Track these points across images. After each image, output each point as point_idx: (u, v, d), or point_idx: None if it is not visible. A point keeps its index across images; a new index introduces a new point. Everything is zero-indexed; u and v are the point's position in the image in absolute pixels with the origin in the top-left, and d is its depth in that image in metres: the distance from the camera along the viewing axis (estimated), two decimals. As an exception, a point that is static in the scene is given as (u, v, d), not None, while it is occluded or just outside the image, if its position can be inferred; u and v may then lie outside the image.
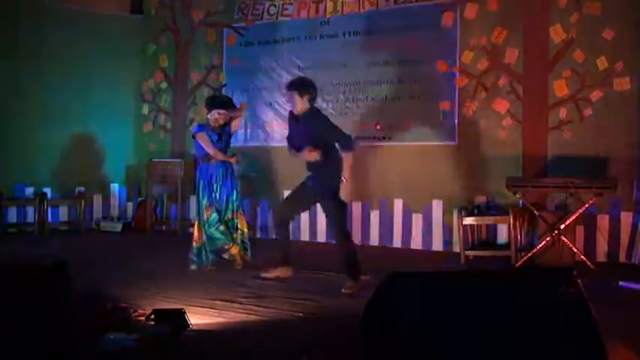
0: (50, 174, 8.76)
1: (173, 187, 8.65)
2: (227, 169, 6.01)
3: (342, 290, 5.01)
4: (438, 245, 7.33)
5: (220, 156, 5.97)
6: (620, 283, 5.30)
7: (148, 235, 8.57)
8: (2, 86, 8.36)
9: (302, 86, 5.32)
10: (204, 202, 5.93)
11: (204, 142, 5.95)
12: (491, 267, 6.12)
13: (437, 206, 7.33)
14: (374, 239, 7.67)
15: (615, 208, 6.48)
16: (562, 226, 5.96)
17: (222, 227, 5.92)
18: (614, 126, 6.50)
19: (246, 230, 6.09)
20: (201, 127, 6.07)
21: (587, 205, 5.97)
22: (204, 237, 5.91)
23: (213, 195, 5.93)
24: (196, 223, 6.00)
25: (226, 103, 6.20)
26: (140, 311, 4.04)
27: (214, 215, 5.90)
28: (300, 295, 4.82)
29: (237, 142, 7.82)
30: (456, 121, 7.24)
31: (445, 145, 7.30)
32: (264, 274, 5.51)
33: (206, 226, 5.90)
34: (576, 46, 6.66)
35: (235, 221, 5.99)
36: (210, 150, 5.94)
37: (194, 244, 5.94)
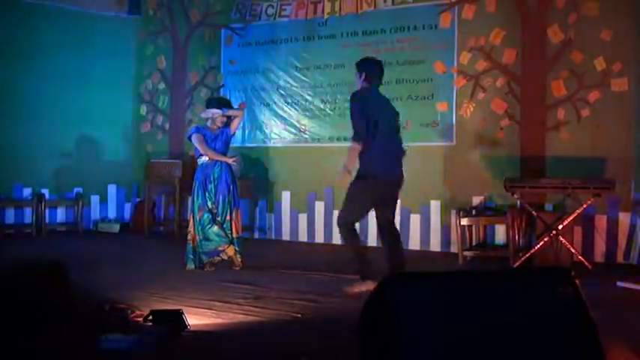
0: (48, 175, 8.76)
1: (171, 188, 8.64)
2: (223, 170, 6.00)
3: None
4: (435, 246, 7.33)
5: (211, 154, 5.96)
6: (618, 283, 5.30)
7: (146, 236, 8.56)
8: (-1, 87, 8.37)
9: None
10: (198, 202, 5.94)
11: (198, 141, 5.96)
12: (489, 267, 6.11)
13: (435, 207, 7.33)
14: (372, 240, 7.65)
15: (613, 209, 6.49)
16: (560, 227, 5.96)
17: (215, 228, 5.90)
18: (611, 126, 6.51)
19: (239, 234, 6.06)
20: (198, 129, 6.08)
21: (584, 206, 5.97)
22: (197, 237, 5.91)
23: (207, 195, 5.93)
24: (191, 223, 6.00)
25: (221, 103, 6.20)
26: (138, 312, 4.03)
27: (206, 216, 5.90)
28: (299, 296, 4.81)
29: (235, 142, 7.82)
30: (454, 121, 7.25)
31: (443, 145, 7.31)
32: (348, 291, 4.87)
33: (199, 227, 5.90)
34: (574, 47, 6.67)
35: (230, 223, 5.97)
36: (202, 148, 5.95)
37: (190, 244, 5.95)
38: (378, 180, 4.92)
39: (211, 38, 8.87)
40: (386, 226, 5.07)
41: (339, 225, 5.00)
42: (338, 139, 7.66)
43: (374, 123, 4.83)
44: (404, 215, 7.50)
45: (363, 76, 5.05)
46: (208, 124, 6.09)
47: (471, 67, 7.16)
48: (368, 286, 4.63)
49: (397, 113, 5.18)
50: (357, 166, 4.96)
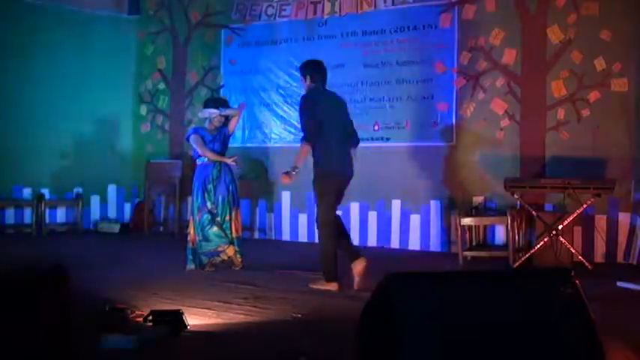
0: (48, 175, 8.76)
1: (171, 188, 8.64)
2: (222, 170, 6.00)
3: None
4: (435, 246, 7.33)
5: (210, 155, 5.95)
6: (618, 283, 5.30)
7: (146, 236, 8.56)
8: (-1, 87, 8.37)
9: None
10: (197, 203, 5.94)
11: (196, 143, 5.96)
12: (489, 267, 6.11)
13: (435, 207, 7.33)
14: (372, 240, 7.67)
15: (613, 209, 6.49)
16: (560, 227, 5.96)
17: (215, 229, 5.89)
18: (611, 126, 6.51)
19: (239, 234, 6.05)
20: (196, 130, 6.08)
21: (584, 206, 5.97)
22: (197, 238, 5.91)
23: (207, 196, 5.92)
24: (191, 224, 6.00)
25: (218, 103, 6.20)
26: (138, 312, 4.03)
27: (206, 216, 5.90)
28: (299, 296, 4.81)
29: (235, 142, 7.82)
30: (454, 122, 7.25)
31: (443, 145, 7.31)
32: (312, 285, 5.15)
33: (199, 228, 5.90)
34: (574, 47, 6.67)
35: (229, 223, 5.97)
36: (200, 149, 5.95)
37: (189, 244, 5.95)
38: (335, 177, 5.13)
39: (211, 38, 8.87)
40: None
41: (321, 224, 5.10)
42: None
43: (322, 123, 5.02)
44: (404, 215, 7.50)
45: (308, 80, 5.23)
46: (206, 124, 6.10)
47: (471, 67, 7.15)
48: (333, 287, 5.00)
49: (345, 103, 5.42)
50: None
